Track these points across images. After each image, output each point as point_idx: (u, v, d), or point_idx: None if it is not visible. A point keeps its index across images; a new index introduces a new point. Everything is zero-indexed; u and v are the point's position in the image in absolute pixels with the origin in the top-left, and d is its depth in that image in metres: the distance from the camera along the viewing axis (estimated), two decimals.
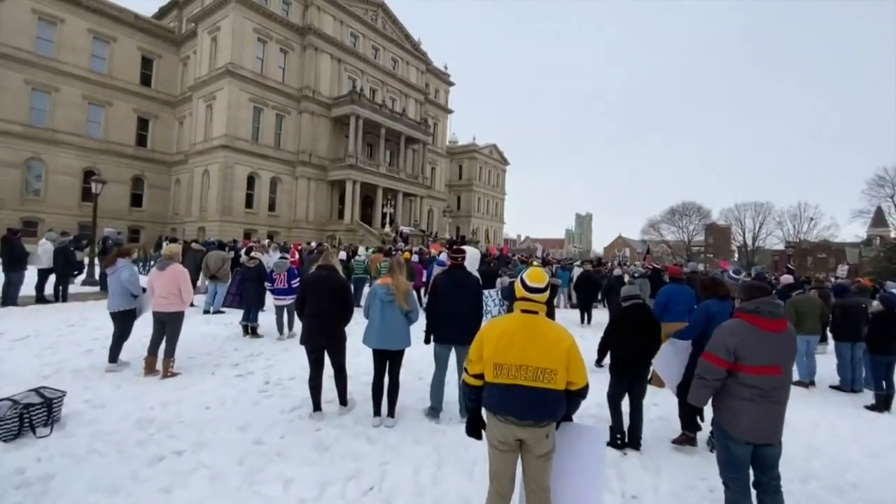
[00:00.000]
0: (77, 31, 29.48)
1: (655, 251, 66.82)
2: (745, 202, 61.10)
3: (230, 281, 7.62)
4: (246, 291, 7.26)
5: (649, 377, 4.02)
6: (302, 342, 4.09)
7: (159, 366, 4.97)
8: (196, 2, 32.93)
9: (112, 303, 4.98)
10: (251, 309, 7.24)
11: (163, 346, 4.98)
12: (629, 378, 3.92)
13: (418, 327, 4.27)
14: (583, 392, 2.22)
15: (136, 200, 33.52)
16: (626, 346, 3.87)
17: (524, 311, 2.23)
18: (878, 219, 51.39)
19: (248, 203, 30.31)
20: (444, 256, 12.46)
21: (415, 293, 4.12)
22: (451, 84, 49.12)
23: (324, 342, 4.06)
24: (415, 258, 12.40)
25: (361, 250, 12.13)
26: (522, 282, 2.27)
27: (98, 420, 3.81)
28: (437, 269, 11.26)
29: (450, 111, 49.17)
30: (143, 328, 5.48)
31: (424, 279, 12.36)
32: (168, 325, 4.93)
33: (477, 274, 9.63)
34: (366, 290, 11.66)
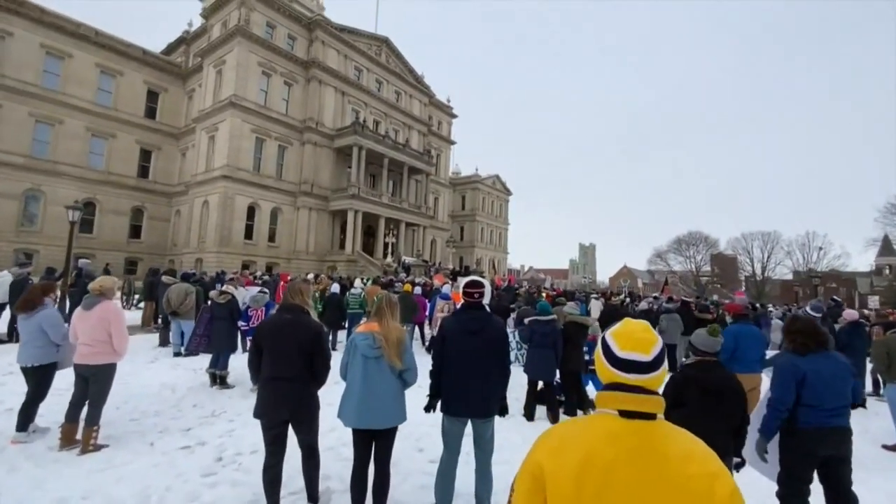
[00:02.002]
0: (84, 66, 29.82)
1: (663, 282, 65.26)
2: (751, 231, 60.10)
3: (198, 320, 6.52)
4: (215, 332, 6.14)
5: (740, 463, 2.75)
6: (256, 415, 2.93)
7: (81, 435, 3.81)
8: (203, 37, 33.54)
9: (25, 354, 3.86)
10: (220, 354, 6.10)
11: (85, 410, 3.83)
12: None
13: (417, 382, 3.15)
14: None
15: (136, 232, 32.95)
16: (699, 429, 2.57)
17: (625, 413, 1.10)
18: (886, 248, 50.22)
19: (248, 234, 29.61)
20: (447, 288, 11.37)
21: (409, 343, 2.94)
22: (454, 116, 49.55)
23: (286, 414, 2.91)
24: (417, 290, 11.29)
25: (357, 282, 11.04)
26: (608, 352, 1.15)
27: None
28: (439, 303, 10.15)
29: (452, 142, 49.35)
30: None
31: (427, 313, 11.25)
32: (93, 383, 3.81)
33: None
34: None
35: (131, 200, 32.44)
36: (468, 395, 2.98)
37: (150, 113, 33.68)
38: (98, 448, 3.81)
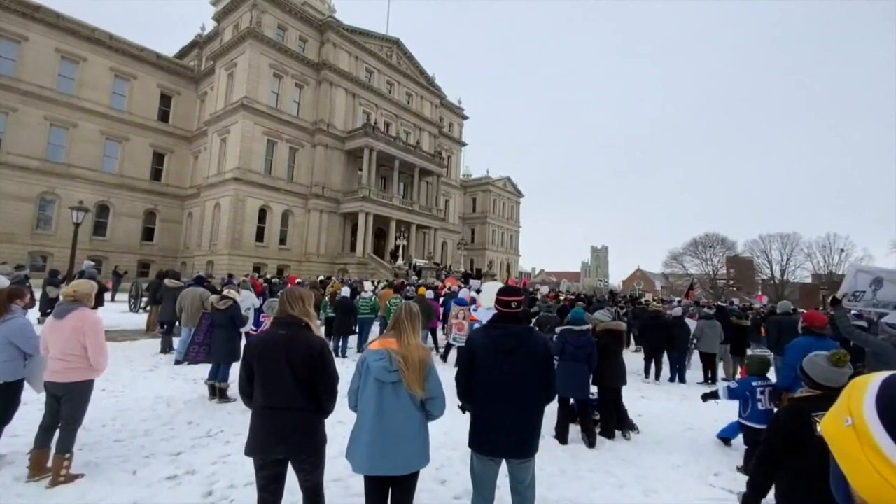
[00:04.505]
0: (99, 70, 30.05)
1: (679, 284, 63.78)
2: (770, 233, 58.41)
3: (197, 327, 6.04)
4: (215, 341, 5.65)
5: None
6: (248, 452, 2.39)
7: (52, 464, 3.31)
8: (216, 41, 33.63)
9: None
10: (220, 364, 5.60)
11: (57, 435, 3.33)
12: None
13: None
14: None
15: (148, 234, 33.05)
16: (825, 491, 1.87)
17: None
18: None
19: (259, 236, 29.46)
20: (464, 293, 10.78)
21: (434, 365, 2.36)
22: (465, 118, 49.10)
23: (283, 452, 2.36)
24: (429, 294, 10.73)
25: (368, 285, 10.53)
26: None
27: None
28: (454, 309, 9.54)
29: (463, 144, 48.89)
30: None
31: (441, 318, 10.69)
32: (65, 403, 3.30)
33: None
34: (373, 334, 9.97)
35: (144, 203, 32.58)
36: (503, 431, 2.41)
37: (164, 116, 33.86)
38: (71, 479, 3.30)
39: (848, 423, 0.60)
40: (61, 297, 3.37)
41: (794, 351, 3.97)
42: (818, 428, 1.60)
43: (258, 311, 8.25)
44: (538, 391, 2.54)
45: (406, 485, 2.29)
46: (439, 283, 17.17)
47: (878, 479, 0.55)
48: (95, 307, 3.57)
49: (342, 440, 3.63)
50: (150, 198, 32.87)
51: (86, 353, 3.29)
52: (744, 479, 4.25)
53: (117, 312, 13.30)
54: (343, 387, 2.49)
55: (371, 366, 2.25)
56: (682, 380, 8.58)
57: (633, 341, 12.23)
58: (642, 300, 16.34)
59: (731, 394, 4.48)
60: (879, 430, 0.57)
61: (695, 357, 9.16)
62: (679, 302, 15.77)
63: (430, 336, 9.79)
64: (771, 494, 2.08)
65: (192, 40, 37.22)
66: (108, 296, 15.95)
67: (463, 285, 14.80)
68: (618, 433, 5.15)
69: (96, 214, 29.67)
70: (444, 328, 10.41)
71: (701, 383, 8.65)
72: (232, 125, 29.06)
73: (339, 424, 4.52)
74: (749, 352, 7.85)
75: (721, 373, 8.94)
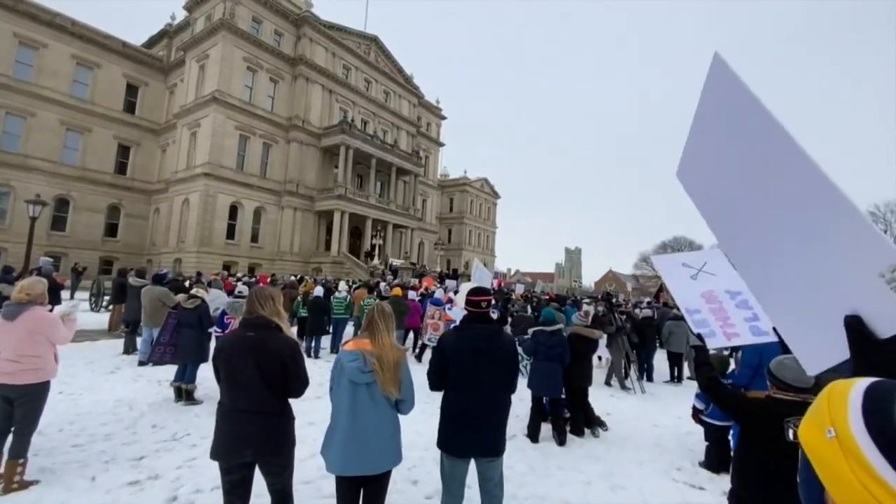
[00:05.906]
0: (60, 57, 28.54)
1: (649, 286, 65.84)
2: None
3: (163, 327, 5.83)
4: (181, 341, 5.48)
5: None
6: (213, 456, 2.34)
7: (4, 470, 3.14)
8: (186, 31, 32.49)
9: None
10: (187, 365, 5.43)
11: (10, 440, 3.17)
12: None
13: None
14: None
15: (112, 230, 31.56)
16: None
17: None
18: None
19: (230, 234, 28.59)
20: (440, 293, 10.82)
21: (408, 367, 2.38)
22: (443, 118, 49.19)
23: (250, 455, 2.32)
24: (412, 295, 10.69)
25: (342, 285, 10.42)
26: None
27: None
28: (430, 309, 9.56)
29: (441, 144, 48.97)
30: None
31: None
32: (19, 407, 3.14)
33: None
34: (348, 331, 9.89)
35: (108, 198, 31.11)
36: (474, 430, 2.46)
37: (129, 107, 32.45)
38: (25, 485, 3.15)
39: (831, 434, 0.57)
40: (13, 298, 3.21)
41: (750, 350, 4.19)
42: (790, 433, 1.66)
43: (223, 312, 8.05)
44: (506, 389, 2.61)
45: (378, 484, 2.30)
46: (416, 283, 17.16)
47: (864, 493, 0.53)
48: (48, 304, 3.40)
49: (313, 442, 3.62)
50: (113, 192, 31.43)
51: (41, 353, 3.14)
52: (705, 473, 4.47)
53: (77, 311, 12.66)
54: (318, 388, 2.47)
55: (345, 367, 2.24)
56: (650, 378, 8.90)
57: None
58: (613, 300, 16.79)
59: (701, 397, 4.68)
60: (868, 444, 0.54)
61: (662, 356, 9.51)
62: (649, 303, 16.29)
63: (412, 336, 9.77)
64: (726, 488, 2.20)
65: (162, 29, 35.87)
66: (66, 294, 15.17)
67: (439, 285, 14.84)
68: (587, 431, 5.30)
69: (55, 208, 28.18)
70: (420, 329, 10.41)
71: (667, 382, 9.00)
72: (203, 119, 28.13)
73: (310, 426, 4.47)
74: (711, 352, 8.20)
75: (686, 371, 9.30)
